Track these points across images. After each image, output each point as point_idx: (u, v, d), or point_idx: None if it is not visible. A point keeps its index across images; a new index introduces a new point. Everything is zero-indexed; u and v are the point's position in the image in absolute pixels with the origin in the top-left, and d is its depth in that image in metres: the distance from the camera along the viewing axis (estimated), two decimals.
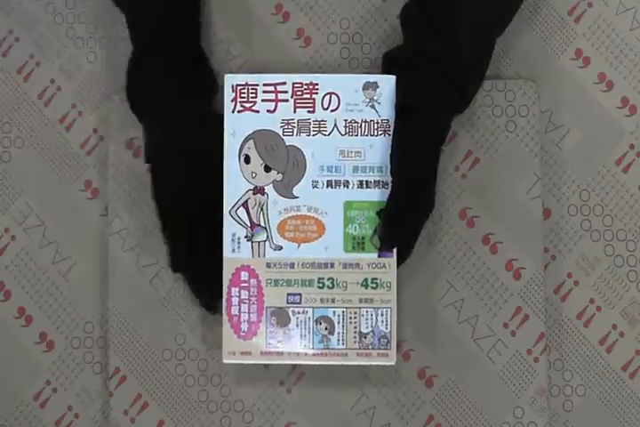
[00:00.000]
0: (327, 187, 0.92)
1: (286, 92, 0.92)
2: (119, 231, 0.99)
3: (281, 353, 0.92)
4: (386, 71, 0.94)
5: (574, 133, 1.00)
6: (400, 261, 0.92)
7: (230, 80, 0.93)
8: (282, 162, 0.92)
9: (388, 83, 0.92)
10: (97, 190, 1.01)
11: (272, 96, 0.93)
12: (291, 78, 0.92)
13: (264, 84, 0.92)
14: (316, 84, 0.92)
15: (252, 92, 0.93)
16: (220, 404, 0.98)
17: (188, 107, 0.93)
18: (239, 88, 0.93)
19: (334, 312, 0.92)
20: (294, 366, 0.97)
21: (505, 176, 0.98)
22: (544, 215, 0.98)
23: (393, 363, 0.91)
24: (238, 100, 0.93)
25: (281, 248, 0.92)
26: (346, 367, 0.94)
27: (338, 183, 0.92)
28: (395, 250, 0.92)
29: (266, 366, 0.97)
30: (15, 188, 1.01)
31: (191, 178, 0.92)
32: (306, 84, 0.92)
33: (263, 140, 0.92)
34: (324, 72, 1.00)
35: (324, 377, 0.97)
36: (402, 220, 0.91)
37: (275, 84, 0.92)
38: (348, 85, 0.92)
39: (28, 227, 1.01)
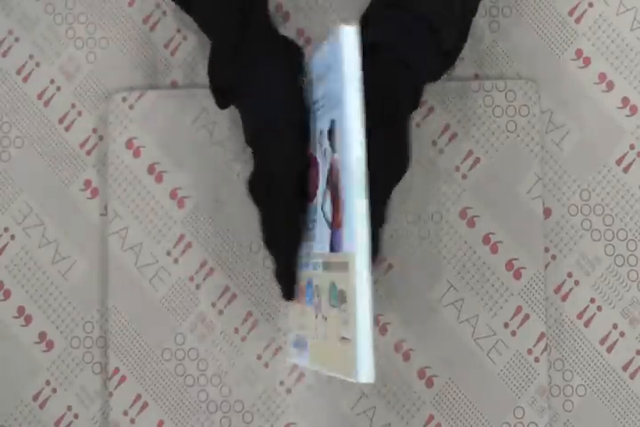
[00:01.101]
0: None
1: None
2: (119, 231, 0.99)
3: None
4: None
5: (575, 133, 1.00)
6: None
7: None
8: None
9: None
10: (96, 190, 1.01)
11: None
12: None
13: None
14: None
15: None
16: (219, 404, 0.98)
17: (287, 80, 0.89)
18: None
19: None
20: (294, 366, 0.97)
21: (505, 176, 0.98)
22: (545, 215, 0.98)
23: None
24: None
25: None
26: None
27: None
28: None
29: (266, 365, 0.97)
30: (15, 187, 1.01)
31: (301, 151, 0.87)
32: None
33: None
34: None
35: (324, 377, 0.97)
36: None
37: None
38: None
39: (27, 226, 1.01)
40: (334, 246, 0.79)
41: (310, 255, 0.85)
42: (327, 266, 0.80)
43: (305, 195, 0.86)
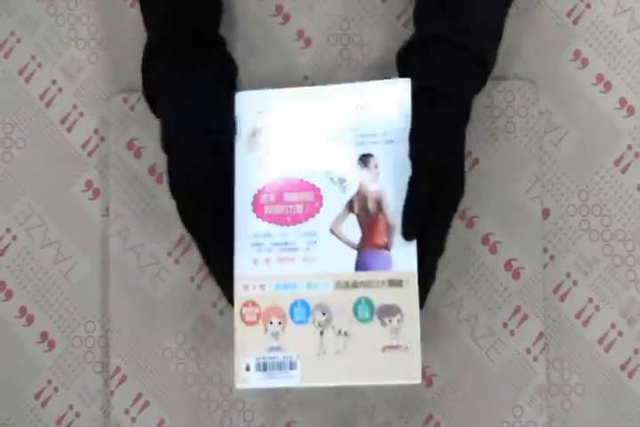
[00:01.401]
0: None
1: None
2: (120, 231, 0.99)
3: None
4: (400, 67, 0.93)
5: (573, 134, 1.00)
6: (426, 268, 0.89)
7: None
8: None
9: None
10: (98, 191, 1.01)
11: None
12: None
13: None
14: None
15: None
16: (220, 403, 0.98)
17: (203, 90, 0.92)
18: None
19: None
20: None
21: (504, 176, 0.98)
22: (543, 215, 0.99)
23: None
24: None
25: None
26: None
27: None
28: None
29: None
30: (17, 188, 1.02)
31: (212, 161, 0.91)
32: None
33: None
34: (324, 73, 1.01)
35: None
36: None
37: None
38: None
39: (29, 227, 1.01)
40: (365, 265, 0.88)
41: (300, 275, 0.88)
42: (348, 284, 0.87)
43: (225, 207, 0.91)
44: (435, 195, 0.87)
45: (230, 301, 0.90)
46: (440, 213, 0.88)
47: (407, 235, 0.86)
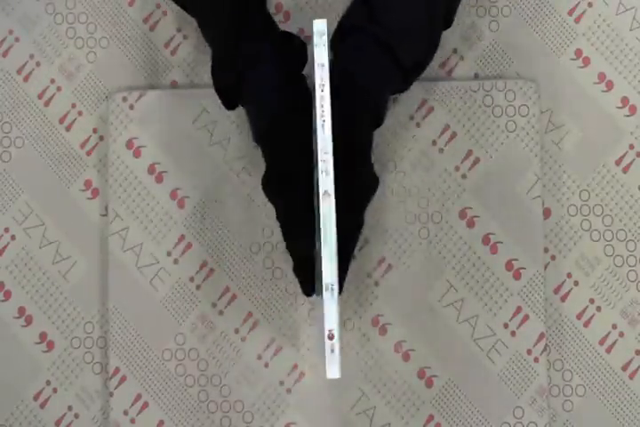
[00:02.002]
0: None
1: None
2: (119, 231, 0.99)
3: None
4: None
5: (574, 133, 1.00)
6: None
7: None
8: None
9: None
10: (97, 190, 1.01)
11: None
12: None
13: None
14: None
15: None
16: (220, 404, 0.98)
17: (288, 78, 0.91)
18: None
19: None
20: (294, 366, 0.98)
21: (505, 176, 0.98)
22: (544, 215, 0.98)
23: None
24: None
25: None
26: (345, 367, 0.95)
27: None
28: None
29: (266, 365, 0.97)
30: (15, 187, 1.01)
31: (309, 148, 0.90)
32: None
33: None
34: None
35: (324, 377, 0.97)
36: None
37: None
38: None
39: (28, 227, 1.01)
40: None
41: None
42: None
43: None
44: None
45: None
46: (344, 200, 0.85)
47: None
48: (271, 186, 0.90)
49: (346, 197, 0.84)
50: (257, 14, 0.93)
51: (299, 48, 0.93)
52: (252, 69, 0.90)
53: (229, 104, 0.93)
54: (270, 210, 0.90)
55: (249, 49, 0.90)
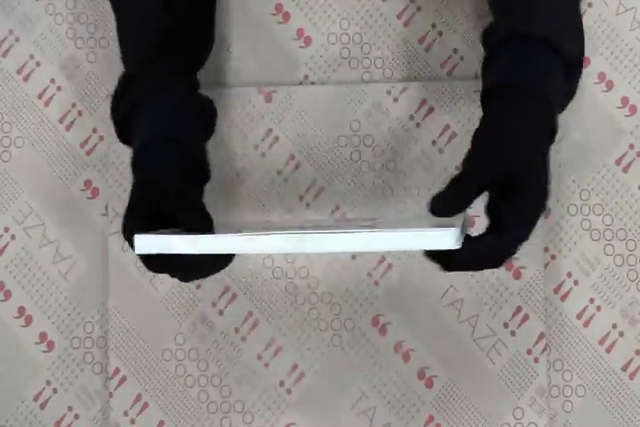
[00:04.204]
0: None
1: None
2: (119, 231, 0.99)
3: None
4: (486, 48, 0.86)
5: (574, 133, 1.00)
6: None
7: None
8: None
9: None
10: (97, 190, 1.01)
11: None
12: None
13: None
14: None
15: None
16: (220, 404, 0.98)
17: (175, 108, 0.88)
18: None
19: None
20: (294, 366, 0.98)
21: None
22: (544, 215, 0.98)
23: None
24: None
25: None
26: (345, 367, 0.95)
27: None
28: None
29: (266, 365, 0.98)
30: (15, 187, 1.01)
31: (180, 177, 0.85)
32: None
33: None
34: (324, 72, 1.00)
35: (324, 377, 0.97)
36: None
37: None
38: None
39: (28, 226, 1.01)
40: None
41: None
42: None
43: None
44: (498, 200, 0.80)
45: None
46: (505, 221, 0.79)
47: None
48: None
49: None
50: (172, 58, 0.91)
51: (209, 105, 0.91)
52: (142, 101, 0.87)
53: (122, 136, 0.90)
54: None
55: (145, 83, 0.88)
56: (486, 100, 0.83)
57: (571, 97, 0.86)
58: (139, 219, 0.82)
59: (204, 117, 0.91)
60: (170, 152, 0.85)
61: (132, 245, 0.79)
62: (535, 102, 0.80)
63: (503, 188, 0.78)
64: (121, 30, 0.93)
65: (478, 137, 0.80)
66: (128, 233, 0.81)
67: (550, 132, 0.82)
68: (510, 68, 0.82)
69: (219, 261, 0.82)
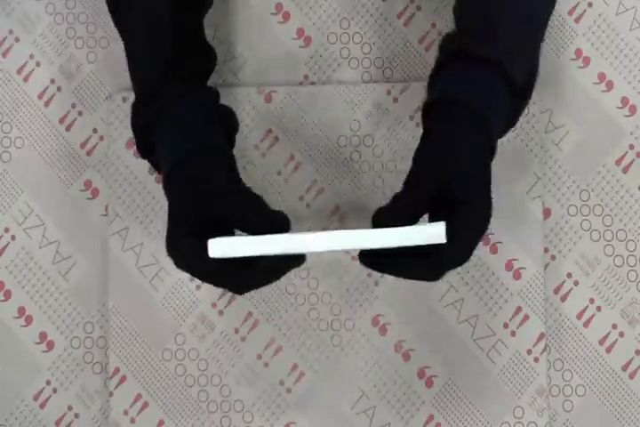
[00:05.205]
0: None
1: None
2: (119, 231, 0.99)
3: None
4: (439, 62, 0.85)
5: (574, 133, 1.00)
6: None
7: None
8: None
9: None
10: (97, 190, 1.01)
11: None
12: None
13: None
14: None
15: None
16: (220, 404, 0.98)
17: (202, 119, 0.86)
18: None
19: None
20: (294, 366, 0.98)
21: (505, 176, 0.98)
22: (544, 215, 0.98)
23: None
24: None
25: None
26: (345, 367, 0.95)
27: None
28: None
29: (266, 365, 0.97)
30: (15, 188, 1.01)
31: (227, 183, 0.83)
32: None
33: None
34: (324, 72, 1.00)
35: (324, 377, 0.97)
36: None
37: None
38: None
39: (28, 227, 1.01)
40: None
41: None
42: None
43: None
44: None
45: None
46: (454, 231, 0.78)
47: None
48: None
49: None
50: (187, 62, 0.89)
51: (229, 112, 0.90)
52: (167, 112, 0.85)
53: (144, 147, 0.87)
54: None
55: (169, 92, 0.86)
56: (425, 114, 0.83)
57: (511, 126, 0.85)
58: (189, 233, 0.80)
59: (230, 127, 0.90)
60: (219, 159, 0.84)
61: (180, 264, 0.79)
62: (474, 118, 0.80)
63: (445, 202, 0.78)
64: (130, 48, 0.91)
65: (416, 152, 0.81)
66: (180, 249, 0.80)
67: (490, 151, 0.82)
68: (454, 84, 0.82)
69: (292, 263, 0.81)
